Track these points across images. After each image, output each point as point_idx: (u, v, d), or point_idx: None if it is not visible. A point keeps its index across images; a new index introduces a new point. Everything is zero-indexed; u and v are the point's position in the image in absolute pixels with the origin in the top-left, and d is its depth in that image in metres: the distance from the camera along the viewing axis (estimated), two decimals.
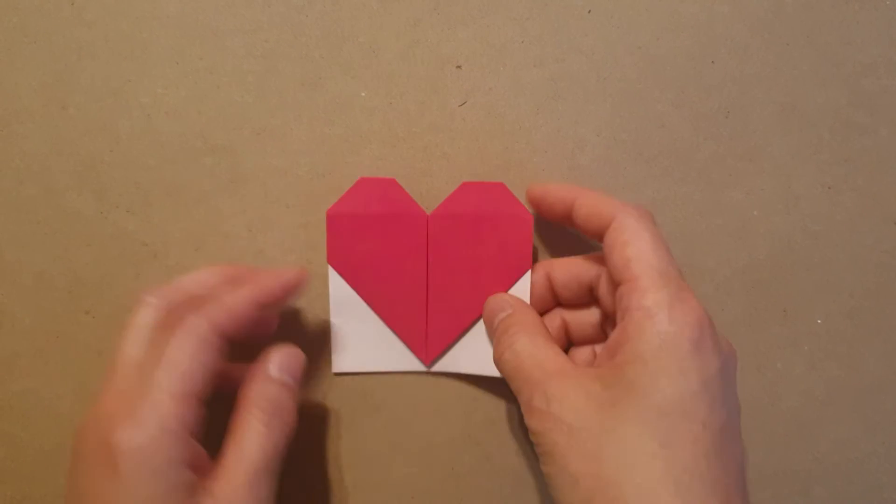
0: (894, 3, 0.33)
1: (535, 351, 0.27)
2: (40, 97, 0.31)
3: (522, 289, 0.32)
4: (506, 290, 0.32)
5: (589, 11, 0.32)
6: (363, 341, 0.32)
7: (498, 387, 0.33)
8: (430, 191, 0.32)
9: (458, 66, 0.32)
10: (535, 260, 0.33)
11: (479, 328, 0.32)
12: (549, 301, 0.32)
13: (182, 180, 0.32)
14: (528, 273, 0.32)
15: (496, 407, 0.33)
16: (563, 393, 0.25)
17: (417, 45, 0.32)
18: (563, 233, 0.33)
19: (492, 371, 0.30)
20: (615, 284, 0.26)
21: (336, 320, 0.32)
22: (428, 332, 0.32)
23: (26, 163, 0.32)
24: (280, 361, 0.28)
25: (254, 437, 0.26)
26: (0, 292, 0.32)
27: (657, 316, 0.24)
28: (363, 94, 0.32)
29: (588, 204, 0.28)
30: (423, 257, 0.32)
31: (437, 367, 0.32)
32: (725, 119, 0.33)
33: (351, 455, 0.33)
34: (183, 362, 0.25)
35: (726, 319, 0.33)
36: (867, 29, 0.32)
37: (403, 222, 0.31)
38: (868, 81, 0.33)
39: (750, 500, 0.24)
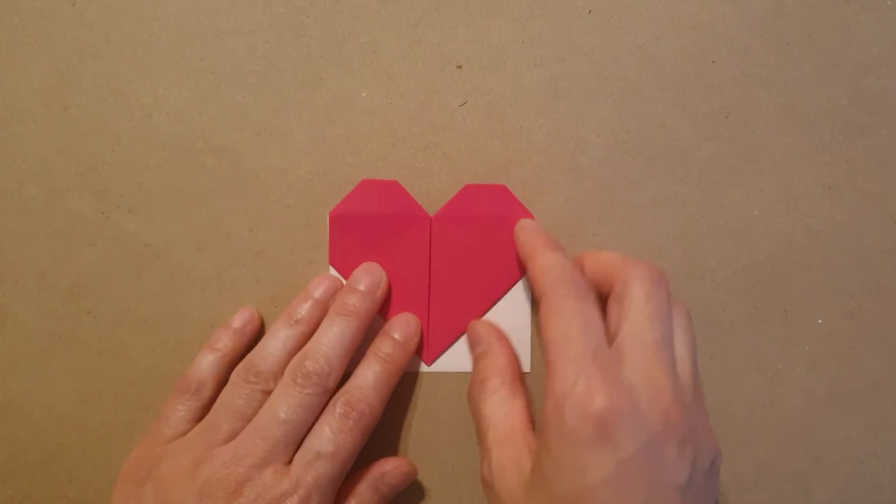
0: (895, 3, 0.32)
1: (494, 410, 0.28)
2: (42, 98, 0.31)
3: (523, 289, 0.32)
4: (506, 291, 0.32)
5: (589, 11, 0.32)
6: (365, 341, 0.32)
7: None
8: (431, 191, 0.32)
9: (459, 67, 0.32)
10: None
11: None
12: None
13: (183, 181, 0.32)
14: None
15: None
16: (503, 467, 0.26)
17: (418, 45, 0.32)
18: (565, 234, 0.33)
19: None
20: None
21: None
22: (429, 332, 0.32)
23: (28, 163, 0.32)
24: (397, 477, 0.31)
25: None
26: (2, 292, 0.32)
27: (563, 407, 0.24)
28: (364, 95, 0.32)
29: (530, 276, 0.28)
30: (426, 258, 0.32)
31: (438, 367, 0.33)
32: (726, 119, 0.33)
33: None
34: (350, 455, 0.28)
35: (726, 319, 0.33)
36: (868, 29, 0.32)
37: (406, 224, 0.32)
38: (869, 81, 0.33)
39: None
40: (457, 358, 0.32)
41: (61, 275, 0.32)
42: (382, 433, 0.33)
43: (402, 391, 0.33)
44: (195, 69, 0.32)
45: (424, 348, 0.32)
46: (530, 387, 0.32)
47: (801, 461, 0.34)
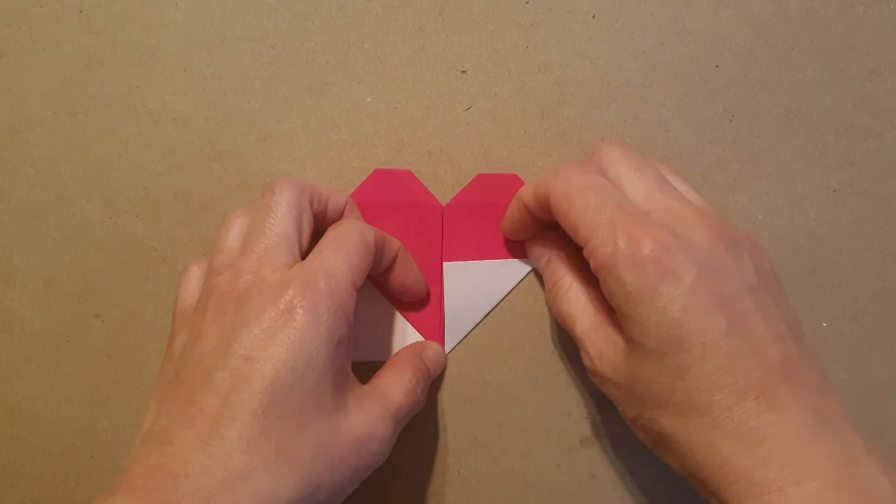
0: None
1: (574, 305, 0.29)
2: (50, 104, 0.32)
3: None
4: (519, 281, 0.33)
5: (593, 16, 0.32)
6: (378, 330, 0.32)
7: (504, 390, 0.33)
8: (436, 195, 0.32)
9: (464, 72, 0.32)
10: None
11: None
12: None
13: (190, 186, 0.32)
14: None
15: (502, 410, 0.33)
16: (599, 352, 0.28)
17: (423, 50, 0.32)
18: None
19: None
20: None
21: None
22: (443, 321, 0.32)
23: (36, 169, 0.32)
24: (435, 356, 0.31)
25: (405, 389, 0.28)
26: (10, 297, 0.32)
27: (618, 268, 0.25)
28: (369, 100, 0.32)
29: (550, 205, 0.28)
30: (439, 247, 0.32)
31: (452, 353, 0.33)
32: (730, 123, 0.33)
33: None
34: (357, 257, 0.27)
35: None
36: (871, 32, 0.33)
37: (419, 213, 0.32)
38: (873, 85, 0.33)
39: None
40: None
41: (69, 279, 0.32)
42: None
43: None
44: (202, 75, 0.32)
45: (439, 337, 0.32)
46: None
47: None
